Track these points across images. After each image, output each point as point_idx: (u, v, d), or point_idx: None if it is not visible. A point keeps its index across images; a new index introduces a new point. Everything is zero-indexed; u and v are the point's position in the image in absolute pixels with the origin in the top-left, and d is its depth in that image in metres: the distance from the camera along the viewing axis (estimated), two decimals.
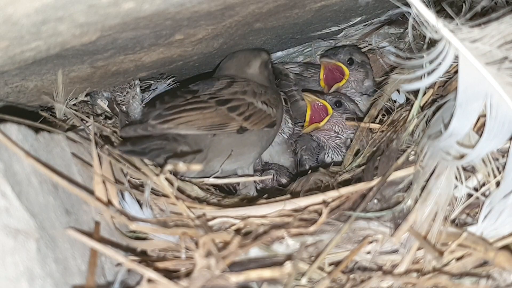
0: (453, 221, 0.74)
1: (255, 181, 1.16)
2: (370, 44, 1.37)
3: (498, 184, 0.72)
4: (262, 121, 1.09)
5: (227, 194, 1.04)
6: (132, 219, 0.77)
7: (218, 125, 1.01)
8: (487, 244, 0.69)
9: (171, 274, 0.71)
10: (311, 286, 0.70)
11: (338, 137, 1.24)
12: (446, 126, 0.74)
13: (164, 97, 1.05)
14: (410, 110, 0.93)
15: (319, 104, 1.24)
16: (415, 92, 0.93)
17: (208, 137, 1.01)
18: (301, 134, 1.29)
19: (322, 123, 1.24)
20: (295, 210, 0.83)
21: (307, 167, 1.25)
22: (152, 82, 1.20)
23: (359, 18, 1.27)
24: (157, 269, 0.70)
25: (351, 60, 1.30)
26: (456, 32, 0.70)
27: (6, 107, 0.94)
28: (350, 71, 1.30)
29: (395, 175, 0.81)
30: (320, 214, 0.78)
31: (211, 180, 1.01)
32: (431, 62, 0.72)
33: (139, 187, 0.88)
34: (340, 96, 1.26)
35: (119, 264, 0.72)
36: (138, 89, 1.15)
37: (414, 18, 0.72)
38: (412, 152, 0.84)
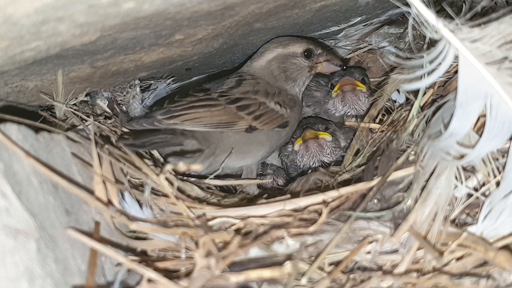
0: (453, 221, 0.74)
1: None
2: (370, 44, 1.37)
3: (498, 184, 0.72)
4: (273, 121, 1.08)
5: (227, 193, 1.04)
6: (132, 219, 0.77)
7: (225, 123, 1.01)
8: (487, 244, 0.69)
9: (171, 274, 0.71)
10: (311, 286, 0.70)
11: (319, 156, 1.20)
12: (446, 126, 0.74)
13: (174, 96, 1.05)
14: (410, 110, 0.93)
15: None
16: (415, 92, 0.93)
17: (217, 133, 1.01)
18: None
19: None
20: (295, 210, 0.83)
21: (294, 175, 1.24)
22: (152, 82, 1.20)
23: (359, 18, 1.27)
24: (157, 269, 0.70)
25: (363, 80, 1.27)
26: (456, 32, 0.70)
27: (6, 107, 0.94)
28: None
29: (395, 175, 0.81)
30: (320, 214, 0.78)
31: (213, 181, 1.01)
32: (431, 62, 0.72)
33: (139, 187, 0.88)
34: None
35: (119, 264, 0.72)
36: (138, 89, 1.15)
37: (414, 18, 0.72)
38: (412, 152, 0.83)
